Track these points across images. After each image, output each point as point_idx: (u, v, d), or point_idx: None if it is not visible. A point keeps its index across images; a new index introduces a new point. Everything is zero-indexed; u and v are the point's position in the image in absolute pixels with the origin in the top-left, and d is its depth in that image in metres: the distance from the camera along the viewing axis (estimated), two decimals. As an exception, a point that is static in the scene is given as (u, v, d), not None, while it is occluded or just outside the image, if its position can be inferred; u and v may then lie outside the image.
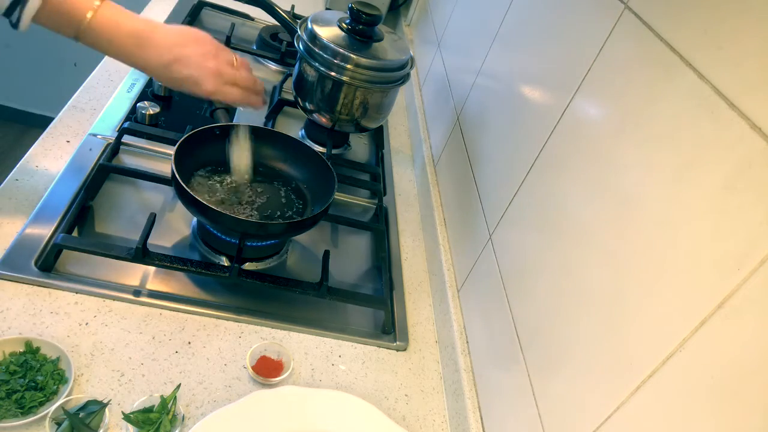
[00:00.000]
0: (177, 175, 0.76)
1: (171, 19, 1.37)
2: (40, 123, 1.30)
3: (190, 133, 0.85)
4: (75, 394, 0.63)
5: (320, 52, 0.98)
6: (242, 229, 0.79)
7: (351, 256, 0.97)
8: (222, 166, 0.90)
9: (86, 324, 0.71)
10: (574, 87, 0.65)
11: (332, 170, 0.89)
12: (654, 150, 0.50)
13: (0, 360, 0.63)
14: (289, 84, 1.20)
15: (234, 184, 0.89)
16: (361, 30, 1.00)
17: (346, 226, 1.00)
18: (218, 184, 0.87)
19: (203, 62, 0.79)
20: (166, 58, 0.76)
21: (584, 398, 0.53)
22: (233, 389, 0.71)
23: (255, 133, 0.93)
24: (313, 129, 1.15)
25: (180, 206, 0.92)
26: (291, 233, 0.87)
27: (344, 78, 0.97)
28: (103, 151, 0.93)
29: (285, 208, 0.89)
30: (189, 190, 0.75)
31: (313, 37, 0.99)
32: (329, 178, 0.89)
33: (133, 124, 0.99)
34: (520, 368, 0.65)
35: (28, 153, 0.89)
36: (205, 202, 0.75)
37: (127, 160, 0.96)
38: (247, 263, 0.86)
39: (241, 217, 0.82)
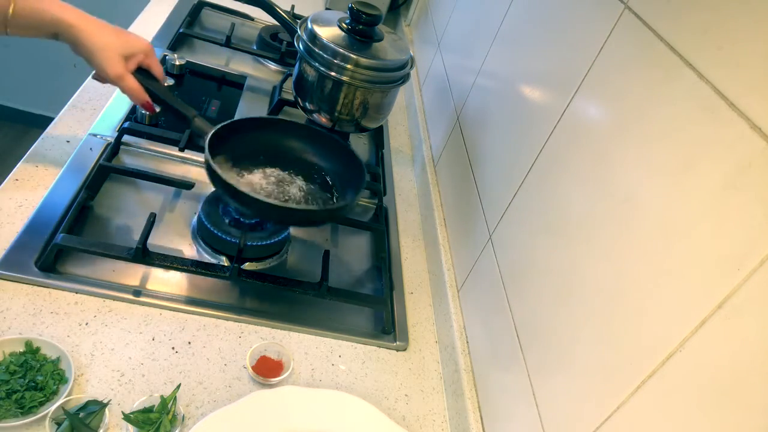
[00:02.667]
0: (216, 169, 0.75)
1: (171, 20, 1.38)
2: (40, 123, 1.30)
3: (219, 127, 0.84)
4: (75, 394, 0.63)
5: (320, 52, 0.98)
6: (297, 218, 0.80)
7: (351, 256, 0.97)
8: (250, 159, 0.89)
9: (86, 324, 0.71)
10: (574, 87, 0.65)
11: (361, 162, 0.89)
12: (654, 150, 0.50)
13: (0, 360, 0.63)
14: (289, 84, 1.20)
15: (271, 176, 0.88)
16: (361, 30, 1.00)
17: (346, 226, 1.00)
18: (251, 176, 0.87)
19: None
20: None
21: (584, 398, 0.53)
22: (233, 389, 0.71)
23: (286, 127, 0.93)
24: (313, 129, 1.15)
25: (180, 206, 0.92)
26: (320, 221, 0.88)
27: (344, 78, 0.97)
28: (103, 151, 0.93)
29: (315, 198, 0.88)
30: (236, 186, 0.74)
31: (313, 37, 0.99)
32: (358, 168, 0.89)
33: (133, 124, 0.99)
34: (520, 368, 0.65)
35: (28, 153, 0.89)
36: (243, 190, 0.73)
37: (127, 160, 0.96)
38: (246, 263, 0.86)
39: (271, 201, 0.79)
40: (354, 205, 0.82)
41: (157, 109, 0.86)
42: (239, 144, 0.88)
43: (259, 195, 0.76)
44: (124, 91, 0.80)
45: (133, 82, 0.80)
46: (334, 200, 0.90)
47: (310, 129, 0.95)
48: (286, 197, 0.86)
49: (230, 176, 0.83)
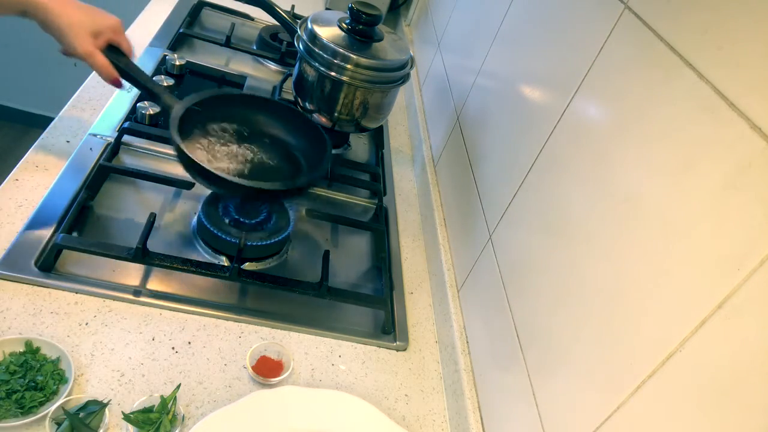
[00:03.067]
0: (181, 147, 0.76)
1: (171, 20, 1.38)
2: (40, 123, 1.30)
3: (191, 105, 0.85)
4: (75, 394, 0.63)
5: (320, 52, 0.98)
6: (240, 193, 0.79)
7: (351, 256, 0.97)
8: (217, 134, 0.90)
9: (86, 324, 0.71)
10: (574, 87, 0.65)
11: (326, 136, 0.89)
12: (654, 150, 0.50)
13: (0, 360, 0.63)
14: (289, 84, 1.20)
15: (230, 149, 0.88)
16: (361, 30, 1.00)
17: (346, 226, 1.00)
18: (216, 152, 0.86)
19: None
20: None
21: (584, 398, 0.53)
22: (233, 389, 0.71)
23: (252, 102, 0.93)
24: (313, 129, 1.15)
25: (180, 206, 0.92)
26: (287, 197, 0.88)
27: (344, 78, 0.97)
28: (103, 151, 0.93)
29: (278, 174, 0.88)
30: (193, 158, 0.75)
31: (313, 37, 0.99)
32: (323, 145, 0.88)
33: (133, 124, 0.99)
34: (520, 368, 0.65)
35: (28, 153, 0.89)
36: (207, 166, 0.74)
37: (127, 160, 0.96)
38: (246, 263, 0.86)
39: (236, 180, 0.79)
40: (317, 180, 0.82)
41: (126, 85, 0.86)
42: (208, 121, 0.87)
43: (228, 174, 0.76)
44: (93, 67, 0.81)
45: (102, 59, 0.80)
46: (300, 176, 0.89)
47: (277, 104, 0.94)
48: (250, 172, 0.85)
49: (198, 155, 0.83)
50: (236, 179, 0.77)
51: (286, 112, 0.94)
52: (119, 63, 0.83)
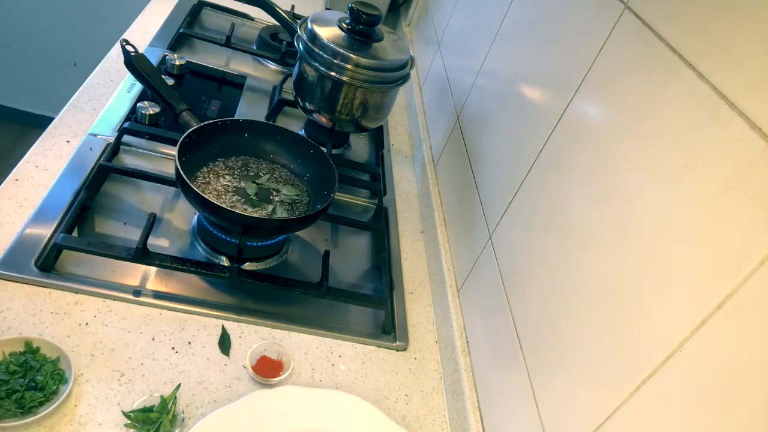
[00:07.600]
0: (181, 171, 0.77)
1: (171, 20, 1.38)
2: (40, 123, 1.30)
3: (191, 130, 0.85)
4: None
5: (320, 52, 0.98)
6: (244, 224, 0.79)
7: (351, 256, 0.97)
8: (222, 161, 0.90)
9: (86, 324, 0.71)
10: (574, 87, 0.65)
11: (333, 166, 0.89)
12: (654, 150, 0.50)
13: (0, 360, 0.63)
14: (289, 84, 1.20)
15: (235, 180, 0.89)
16: (361, 30, 1.00)
17: (346, 226, 1.00)
18: (219, 180, 0.87)
19: None
20: None
21: (584, 398, 0.53)
22: (233, 389, 0.71)
23: (260, 128, 0.94)
24: (313, 129, 1.15)
25: (180, 206, 0.92)
26: (292, 229, 0.88)
27: (344, 78, 0.97)
28: (103, 151, 0.93)
29: (286, 204, 0.89)
30: (193, 186, 0.76)
31: (313, 37, 0.99)
32: (330, 174, 0.89)
33: (133, 124, 0.99)
34: (520, 368, 0.65)
35: (28, 153, 0.89)
36: (209, 198, 0.75)
37: (127, 160, 0.96)
38: (247, 263, 0.86)
39: (242, 212, 0.82)
40: (320, 214, 0.84)
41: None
42: (212, 146, 0.89)
43: (225, 203, 0.78)
44: None
45: None
46: (311, 205, 0.90)
47: (285, 132, 0.95)
48: (253, 203, 0.86)
49: (199, 181, 0.86)
50: (237, 211, 0.78)
51: (294, 140, 0.95)
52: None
